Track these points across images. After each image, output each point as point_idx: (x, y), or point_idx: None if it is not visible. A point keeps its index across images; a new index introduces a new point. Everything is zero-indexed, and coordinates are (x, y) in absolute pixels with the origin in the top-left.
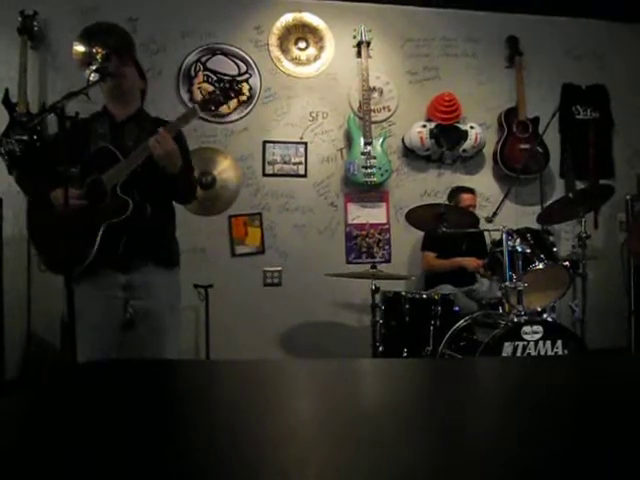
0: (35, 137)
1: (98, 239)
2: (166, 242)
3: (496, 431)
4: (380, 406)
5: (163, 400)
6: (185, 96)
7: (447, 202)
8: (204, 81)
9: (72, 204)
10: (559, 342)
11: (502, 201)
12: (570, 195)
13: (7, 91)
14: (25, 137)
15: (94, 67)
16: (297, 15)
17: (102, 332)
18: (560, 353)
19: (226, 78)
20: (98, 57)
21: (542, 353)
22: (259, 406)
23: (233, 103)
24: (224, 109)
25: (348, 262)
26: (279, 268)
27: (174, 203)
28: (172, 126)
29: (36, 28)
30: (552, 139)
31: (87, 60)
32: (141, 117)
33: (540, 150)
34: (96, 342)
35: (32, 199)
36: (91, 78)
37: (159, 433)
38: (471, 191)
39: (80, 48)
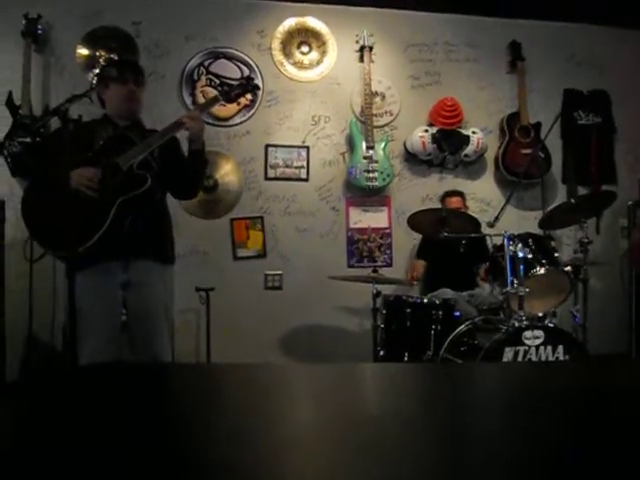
0: (38, 140)
1: (111, 214)
2: (167, 235)
3: (497, 438)
4: (381, 411)
5: (164, 404)
6: (188, 100)
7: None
8: (207, 85)
9: (90, 181)
10: (560, 347)
11: (504, 206)
12: (572, 201)
13: (11, 94)
14: (28, 139)
15: (97, 71)
16: (300, 19)
17: (102, 333)
18: (561, 358)
19: (231, 81)
20: (102, 60)
21: (543, 358)
22: (260, 410)
23: (235, 106)
24: (225, 112)
25: (349, 266)
26: (280, 272)
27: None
28: (201, 107)
29: (40, 31)
30: (554, 144)
31: (91, 63)
32: (141, 126)
33: (542, 155)
34: (97, 343)
35: (40, 181)
36: (94, 81)
37: (160, 437)
38: (458, 194)
39: (84, 51)
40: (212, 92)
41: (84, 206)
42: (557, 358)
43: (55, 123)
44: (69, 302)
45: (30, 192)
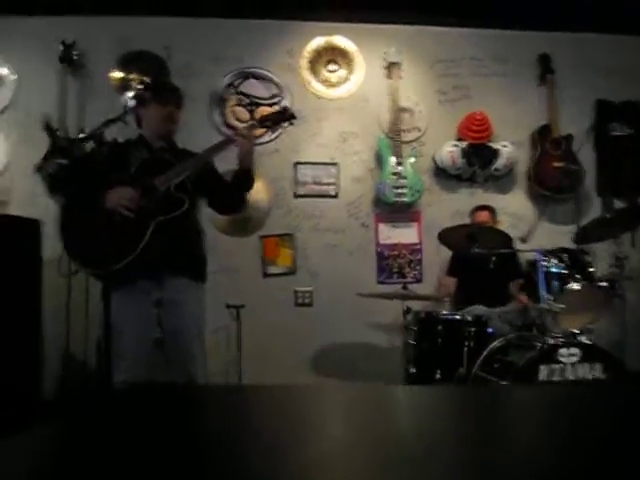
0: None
1: (147, 235)
2: (200, 254)
3: (525, 465)
4: (412, 436)
5: (199, 425)
6: (218, 119)
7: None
8: (237, 104)
9: (128, 202)
10: (598, 365)
11: (537, 221)
12: (607, 216)
13: (48, 117)
14: (65, 162)
15: (131, 94)
16: (328, 38)
17: (137, 351)
18: (599, 376)
19: (260, 100)
20: (135, 83)
21: (580, 376)
22: (293, 431)
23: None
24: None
25: (379, 282)
26: (310, 288)
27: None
28: (248, 129)
29: (76, 57)
30: (587, 156)
31: (124, 86)
32: (175, 147)
33: (574, 168)
34: (132, 361)
35: (76, 199)
36: (128, 104)
37: (196, 459)
38: (487, 208)
39: (117, 74)
40: (242, 111)
41: (120, 225)
42: (594, 376)
43: (91, 147)
44: (105, 320)
45: (66, 210)
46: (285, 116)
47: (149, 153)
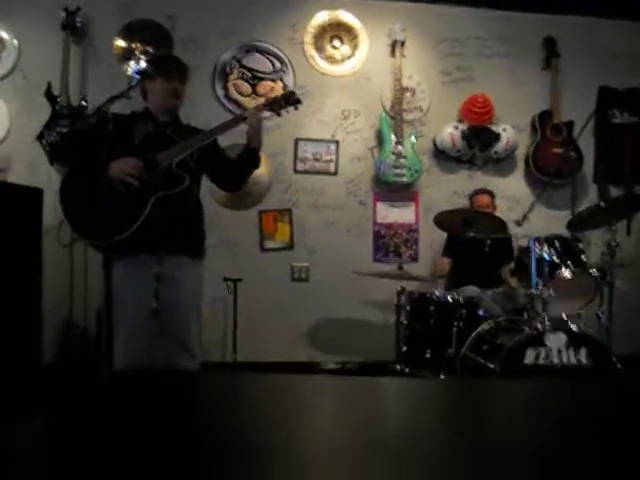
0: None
1: (147, 208)
2: (199, 231)
3: (523, 457)
4: (401, 428)
5: (188, 415)
6: (220, 92)
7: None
8: (239, 78)
9: (132, 170)
10: (583, 350)
11: (533, 205)
12: (602, 204)
13: (50, 84)
14: (66, 130)
15: (136, 69)
16: (332, 13)
17: (137, 319)
18: (584, 361)
19: (262, 75)
20: (137, 53)
21: (565, 361)
22: (285, 425)
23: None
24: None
25: (375, 260)
26: (307, 264)
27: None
28: (255, 110)
29: (79, 24)
30: (587, 143)
31: (127, 55)
32: (179, 123)
33: (573, 154)
34: (130, 331)
35: (79, 169)
36: (133, 80)
37: (183, 453)
38: (488, 192)
39: (120, 43)
40: (244, 85)
41: (121, 198)
42: (579, 361)
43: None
44: (106, 290)
45: (68, 180)
46: (290, 101)
47: (154, 126)
